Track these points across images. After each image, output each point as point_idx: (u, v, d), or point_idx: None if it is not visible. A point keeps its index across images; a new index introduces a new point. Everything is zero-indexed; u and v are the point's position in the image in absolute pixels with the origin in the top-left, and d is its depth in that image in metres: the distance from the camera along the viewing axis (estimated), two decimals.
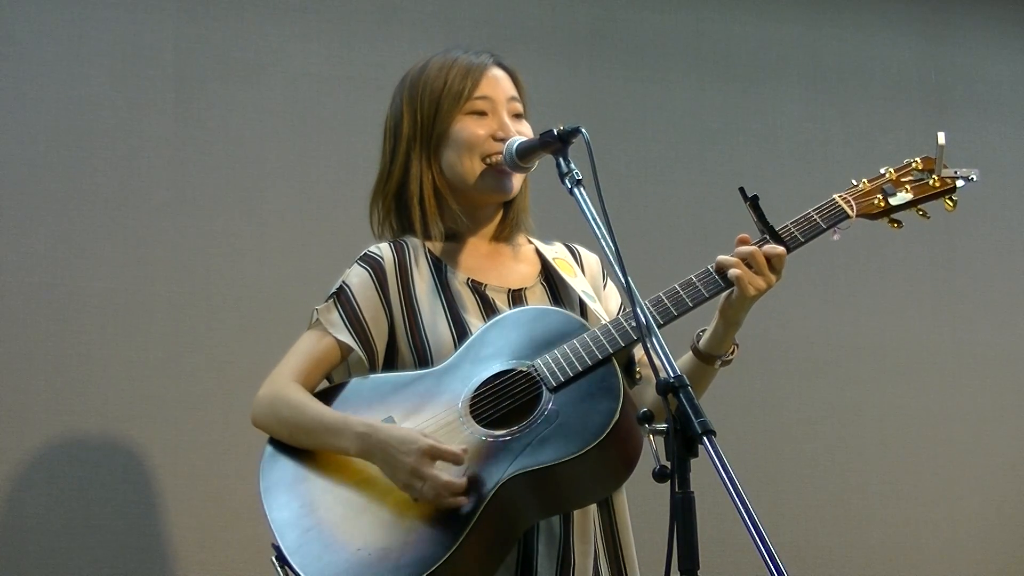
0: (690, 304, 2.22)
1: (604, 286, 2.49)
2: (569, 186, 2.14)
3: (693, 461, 1.79)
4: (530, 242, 2.49)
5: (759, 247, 2.22)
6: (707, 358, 2.31)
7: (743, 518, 1.70)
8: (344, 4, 3.62)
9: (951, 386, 4.03)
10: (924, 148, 4.19)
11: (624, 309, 2.44)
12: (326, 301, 2.40)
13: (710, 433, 1.77)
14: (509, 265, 2.44)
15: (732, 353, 2.32)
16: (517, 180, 2.40)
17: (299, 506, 2.21)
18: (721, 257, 2.23)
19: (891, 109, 4.14)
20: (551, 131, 2.22)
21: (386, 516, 2.15)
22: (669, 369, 1.87)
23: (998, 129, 4.23)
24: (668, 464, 1.78)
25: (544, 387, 2.18)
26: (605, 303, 2.45)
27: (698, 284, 2.23)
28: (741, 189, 2.22)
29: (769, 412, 3.81)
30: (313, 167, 3.50)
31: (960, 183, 2.33)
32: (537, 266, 2.45)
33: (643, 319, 1.93)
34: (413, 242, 2.42)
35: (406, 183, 2.41)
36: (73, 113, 3.34)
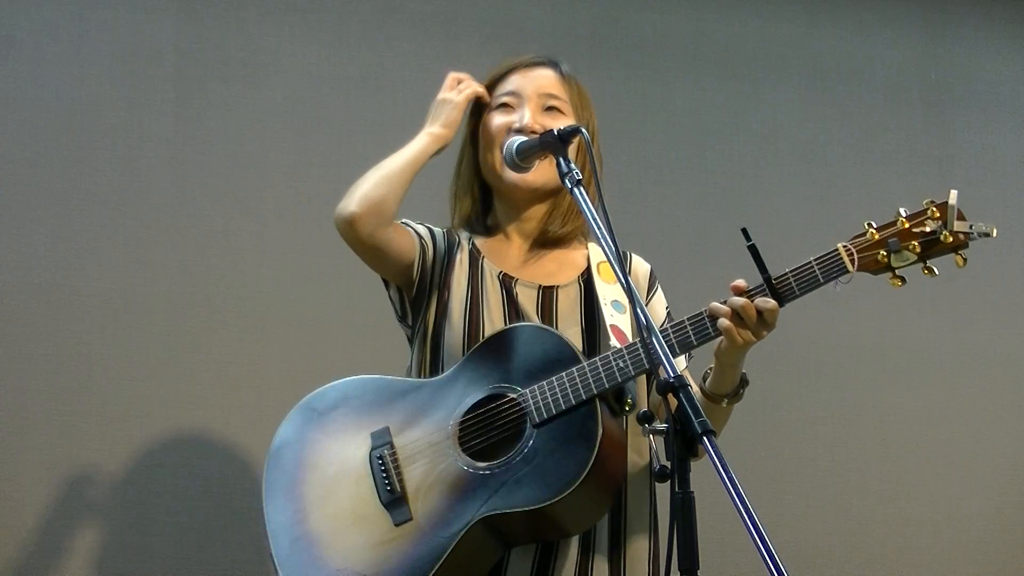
0: (678, 351, 2.19)
1: (650, 298, 2.48)
2: (569, 186, 2.14)
3: (693, 461, 1.80)
4: (587, 246, 2.50)
5: (751, 299, 2.16)
6: (713, 397, 2.29)
7: (743, 518, 1.70)
8: (344, 4, 3.62)
9: (951, 386, 4.02)
10: (924, 148, 4.21)
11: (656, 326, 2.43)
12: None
13: (710, 433, 1.77)
14: (548, 265, 2.44)
15: (740, 390, 2.29)
16: (538, 173, 2.38)
17: (293, 512, 2.24)
18: (714, 305, 2.18)
19: (891, 109, 4.14)
20: (551, 131, 2.23)
21: (370, 538, 2.19)
22: (669, 369, 1.87)
23: (998, 129, 4.23)
24: (668, 464, 1.78)
25: (528, 422, 2.19)
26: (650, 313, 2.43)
27: (689, 331, 2.18)
28: (744, 231, 2.12)
29: (769, 412, 3.81)
30: (313, 167, 3.50)
31: (975, 237, 2.18)
32: (581, 268, 2.45)
33: (643, 319, 1.93)
34: (463, 234, 2.47)
35: (459, 180, 2.51)
36: (73, 113, 3.34)
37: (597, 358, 2.20)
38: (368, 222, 2.32)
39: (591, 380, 2.17)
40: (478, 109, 2.49)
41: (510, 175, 2.38)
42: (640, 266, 2.50)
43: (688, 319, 2.20)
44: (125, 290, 3.30)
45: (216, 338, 3.33)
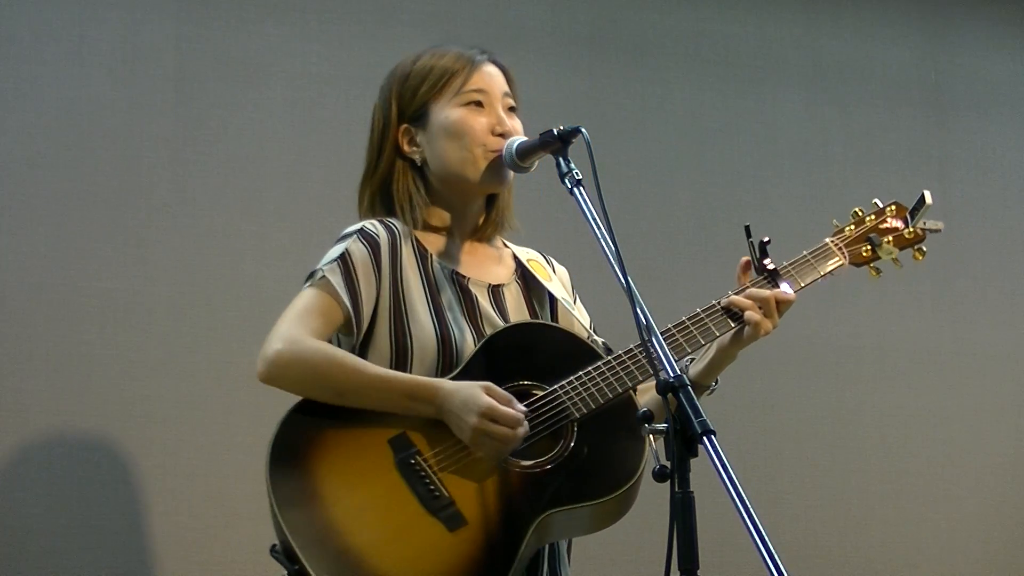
0: (702, 343, 2.26)
1: (575, 300, 2.49)
2: (569, 186, 2.14)
3: (693, 461, 1.80)
4: (505, 245, 2.49)
5: (771, 290, 2.27)
6: (697, 387, 2.31)
7: (743, 518, 1.70)
8: (344, 4, 3.62)
9: (951, 386, 4.03)
10: (924, 148, 4.21)
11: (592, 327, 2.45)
12: (329, 263, 2.32)
13: (710, 433, 1.77)
14: (487, 264, 2.43)
15: (715, 384, 2.35)
16: (510, 172, 2.39)
17: (323, 526, 2.11)
18: (735, 298, 2.27)
19: (891, 109, 4.14)
20: (551, 131, 2.21)
21: (424, 547, 2.11)
22: (669, 369, 1.88)
23: (998, 129, 4.23)
24: (668, 464, 1.78)
25: (567, 417, 2.19)
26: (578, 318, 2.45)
27: (708, 322, 2.26)
28: (746, 227, 2.28)
29: (769, 412, 3.81)
30: (313, 167, 3.50)
31: (930, 233, 2.42)
32: (512, 266, 2.46)
33: (643, 319, 1.93)
34: (402, 227, 2.37)
35: (392, 174, 2.41)
36: (73, 113, 3.34)
37: (623, 352, 2.23)
38: (273, 384, 2.24)
39: (623, 373, 2.21)
40: (422, 113, 2.40)
41: (490, 174, 2.34)
42: (562, 269, 2.52)
43: (704, 311, 2.27)
44: (125, 290, 3.30)
45: (216, 338, 3.33)
